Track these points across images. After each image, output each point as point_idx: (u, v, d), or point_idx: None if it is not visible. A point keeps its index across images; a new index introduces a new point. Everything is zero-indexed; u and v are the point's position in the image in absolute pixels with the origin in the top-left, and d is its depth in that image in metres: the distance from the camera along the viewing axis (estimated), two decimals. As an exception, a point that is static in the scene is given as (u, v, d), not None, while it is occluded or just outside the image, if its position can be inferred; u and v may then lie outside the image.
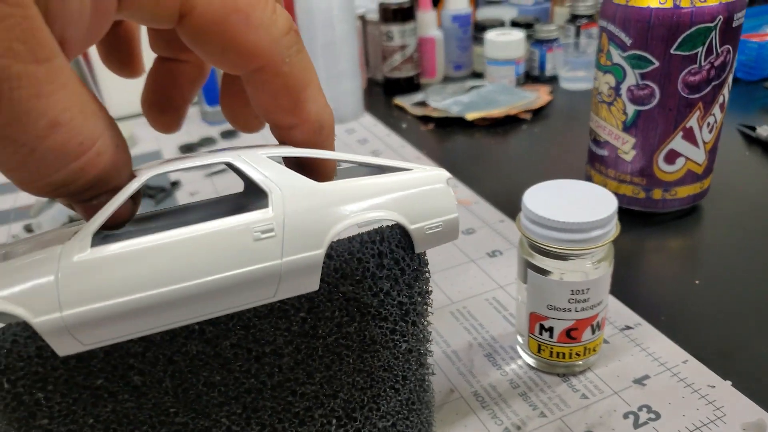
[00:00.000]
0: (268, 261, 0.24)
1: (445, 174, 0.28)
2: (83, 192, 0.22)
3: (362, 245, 0.27)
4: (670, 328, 0.41)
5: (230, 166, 0.26)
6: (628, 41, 0.48)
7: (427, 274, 0.29)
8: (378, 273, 0.28)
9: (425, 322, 0.31)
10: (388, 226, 0.28)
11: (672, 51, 0.46)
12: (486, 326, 0.42)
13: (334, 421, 0.31)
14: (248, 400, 0.28)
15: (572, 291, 0.34)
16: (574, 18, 0.89)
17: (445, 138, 0.74)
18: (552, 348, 0.37)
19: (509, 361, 0.39)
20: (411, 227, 0.27)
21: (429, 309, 0.30)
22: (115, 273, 0.22)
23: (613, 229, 0.34)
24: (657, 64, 0.47)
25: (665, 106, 0.48)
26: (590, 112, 0.55)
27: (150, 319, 0.23)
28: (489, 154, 0.69)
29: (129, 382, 0.25)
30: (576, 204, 0.34)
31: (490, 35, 0.84)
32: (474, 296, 0.45)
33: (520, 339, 0.39)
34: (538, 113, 0.78)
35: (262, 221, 0.25)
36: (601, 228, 0.33)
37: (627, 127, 0.51)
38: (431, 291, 0.30)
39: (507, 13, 0.97)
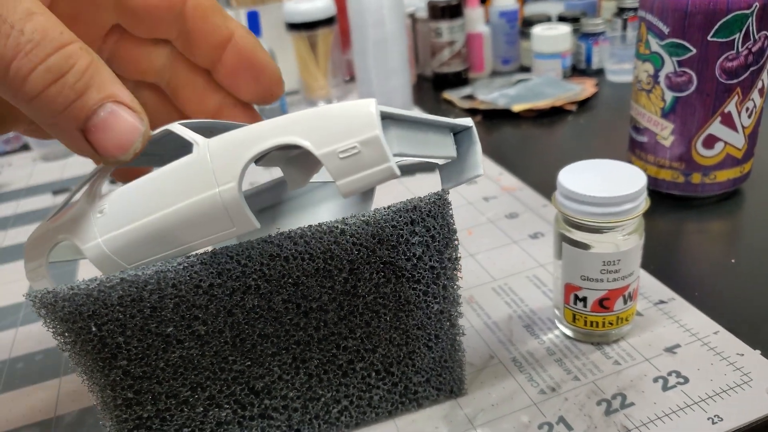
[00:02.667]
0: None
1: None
2: (83, 98, 0.25)
3: (397, 213, 0.31)
4: (704, 302, 0.43)
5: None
6: (665, 30, 0.50)
7: (456, 242, 0.33)
8: (411, 239, 0.31)
9: (455, 286, 0.34)
10: (419, 197, 0.32)
11: (709, 38, 0.48)
12: (525, 300, 0.45)
13: (373, 374, 0.35)
14: (297, 351, 0.32)
15: (604, 262, 0.37)
16: (621, 11, 0.90)
17: (492, 129, 0.76)
18: (586, 317, 0.39)
19: (546, 331, 0.42)
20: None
21: (459, 274, 0.34)
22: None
23: (643, 203, 0.37)
24: (694, 51, 0.49)
25: (703, 92, 0.50)
26: (630, 100, 0.57)
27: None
28: (534, 144, 0.71)
29: (194, 331, 0.30)
30: (607, 181, 0.37)
31: (537, 30, 0.86)
32: (515, 274, 0.48)
33: (557, 311, 0.42)
34: (583, 105, 0.80)
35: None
36: (630, 202, 0.36)
37: (665, 114, 0.53)
38: (460, 257, 0.33)
39: (554, 8, 0.98)
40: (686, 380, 0.37)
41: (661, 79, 0.52)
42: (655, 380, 0.37)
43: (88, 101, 0.26)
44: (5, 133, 0.32)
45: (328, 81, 0.90)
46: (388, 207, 0.31)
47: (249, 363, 0.31)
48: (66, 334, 0.28)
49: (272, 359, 0.32)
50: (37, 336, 0.48)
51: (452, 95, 0.86)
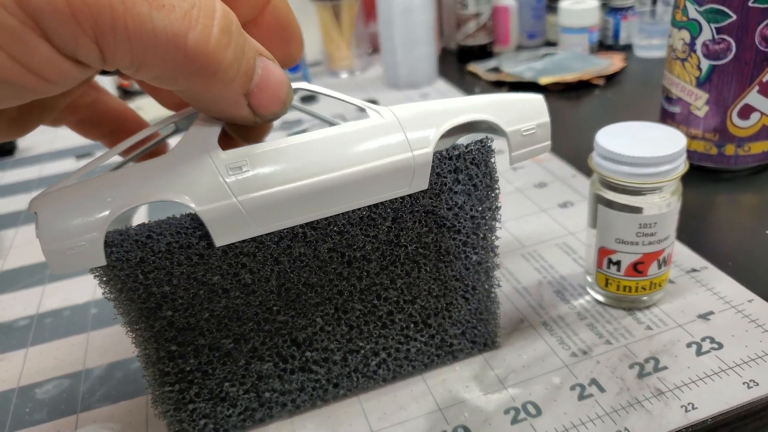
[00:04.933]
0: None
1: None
2: (247, 57, 0.23)
3: (441, 161, 0.31)
4: (738, 272, 0.42)
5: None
6: (704, -4, 0.49)
7: (497, 190, 0.33)
8: (454, 188, 0.31)
9: (493, 237, 0.34)
10: (463, 144, 0.31)
11: (750, 3, 0.47)
12: (555, 267, 0.45)
13: (411, 325, 0.35)
14: (340, 302, 0.32)
15: (640, 224, 0.36)
16: (651, -15, 0.89)
17: (517, 102, 0.75)
18: (619, 282, 0.39)
19: (577, 297, 0.42)
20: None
21: (497, 224, 0.34)
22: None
23: (682, 165, 0.36)
24: (734, 17, 0.48)
25: (741, 60, 0.49)
26: (663, 71, 0.56)
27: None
28: (562, 117, 0.70)
29: (240, 279, 0.30)
30: (646, 142, 0.36)
31: (565, 3, 0.84)
32: (545, 241, 0.48)
33: (588, 278, 0.42)
34: (611, 79, 0.79)
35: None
36: (669, 163, 0.35)
37: (701, 83, 0.52)
38: (500, 207, 0.33)
39: (582, -19, 0.96)
40: (720, 346, 0.36)
41: (698, 47, 0.51)
42: (689, 345, 0.37)
43: (250, 60, 0.23)
44: (33, 129, 0.29)
45: (352, 52, 0.89)
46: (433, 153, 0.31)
47: (293, 314, 0.31)
48: (112, 282, 0.27)
49: (315, 309, 0.32)
50: (64, 293, 0.48)
51: (477, 68, 0.85)
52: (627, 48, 0.88)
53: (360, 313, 0.33)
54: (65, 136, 0.81)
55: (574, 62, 0.80)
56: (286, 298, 0.31)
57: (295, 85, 0.30)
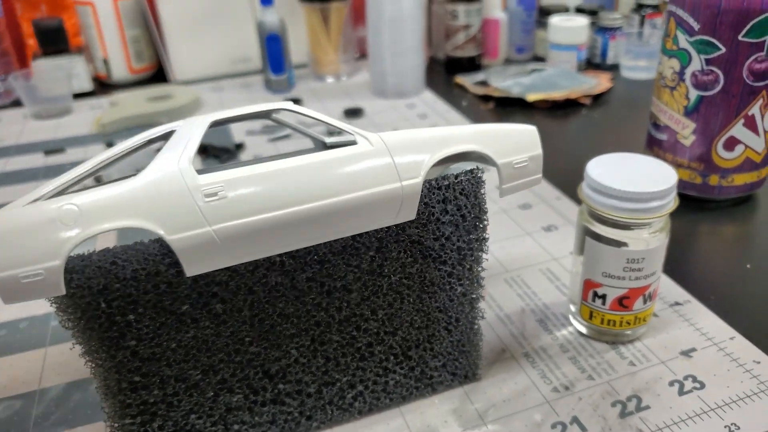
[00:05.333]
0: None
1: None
2: None
3: (429, 191, 0.30)
4: (720, 306, 0.42)
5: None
6: (696, 26, 0.48)
7: (485, 222, 0.32)
8: (441, 218, 0.30)
9: (480, 268, 0.33)
10: (453, 174, 0.30)
11: (740, 38, 0.47)
12: (539, 294, 0.44)
13: (391, 357, 0.34)
14: (317, 333, 0.31)
15: (628, 260, 0.36)
16: (639, 7, 0.89)
17: (504, 117, 0.75)
18: (603, 315, 0.38)
19: (560, 327, 0.41)
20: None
21: (484, 255, 0.33)
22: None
23: (672, 201, 0.35)
24: (723, 50, 0.48)
25: (728, 92, 0.49)
26: (652, 96, 0.56)
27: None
28: (548, 136, 0.70)
29: (211, 309, 0.28)
30: (637, 175, 0.35)
31: (555, 20, 0.84)
32: (528, 266, 0.47)
33: (572, 307, 0.41)
34: (597, 99, 0.79)
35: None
36: (660, 199, 0.35)
37: (688, 112, 0.51)
38: (488, 238, 0.32)
39: (571, -2, 0.97)
40: (702, 385, 0.36)
41: (687, 76, 0.50)
42: (671, 384, 0.36)
43: None
44: None
45: (339, 57, 0.87)
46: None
47: (266, 345, 0.30)
48: (70, 310, 0.25)
49: (290, 341, 0.30)
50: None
51: (465, 80, 0.84)
52: (614, 68, 0.88)
53: (338, 345, 0.32)
54: (34, 129, 0.78)
55: (562, 80, 0.79)
56: (260, 329, 0.30)
57: (283, 106, 0.29)
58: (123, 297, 0.26)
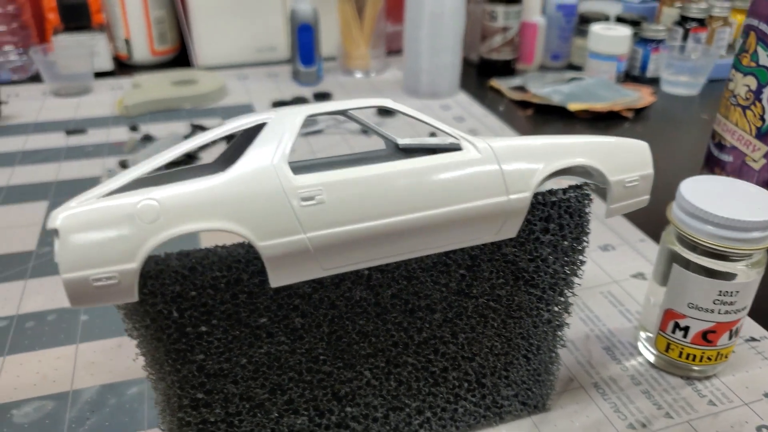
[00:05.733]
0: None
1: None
2: None
3: (533, 207, 0.27)
4: (799, 345, 0.39)
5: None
6: (780, 44, 0.46)
7: (585, 243, 0.29)
8: (541, 237, 0.27)
9: (570, 293, 0.30)
10: (562, 188, 0.27)
11: (828, 59, 0.44)
12: (602, 319, 0.41)
13: (465, 384, 0.31)
14: (393, 354, 0.28)
15: (720, 292, 0.33)
16: (683, 20, 0.86)
17: (544, 125, 0.72)
18: (683, 348, 0.35)
19: (628, 357, 0.38)
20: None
21: (577, 280, 0.30)
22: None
23: (775, 233, 0.32)
24: (809, 71, 0.45)
25: (809, 117, 0.46)
26: (717, 114, 0.53)
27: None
28: (590, 148, 0.67)
29: (289, 323, 0.25)
30: (735, 201, 0.33)
31: (596, 28, 0.81)
32: (588, 288, 0.44)
33: (643, 335, 0.38)
34: (639, 113, 0.76)
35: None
36: (762, 230, 0.32)
37: (762, 134, 0.49)
38: (585, 261, 0.29)
39: (612, 8, 0.94)
40: (791, 433, 0.33)
41: (765, 96, 0.47)
42: (759, 429, 0.33)
43: None
44: None
45: (370, 51, 0.84)
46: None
47: (340, 365, 0.27)
48: (139, 317, 0.22)
49: (365, 361, 0.27)
50: (49, 291, 0.43)
51: (501, 84, 0.81)
52: (653, 81, 0.86)
53: (412, 369, 0.29)
54: (53, 107, 0.74)
55: (603, 90, 0.77)
56: (336, 347, 0.27)
57: (385, 104, 0.25)
58: (198, 306, 0.23)
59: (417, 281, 0.26)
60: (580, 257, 0.29)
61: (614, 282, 0.45)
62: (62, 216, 0.20)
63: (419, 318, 0.27)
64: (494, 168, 0.25)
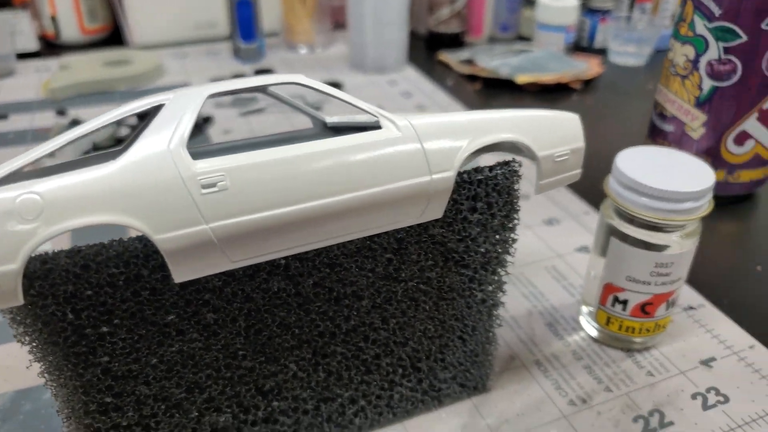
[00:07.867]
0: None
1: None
2: None
3: (459, 186, 0.25)
4: (735, 312, 0.39)
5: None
6: (717, 11, 0.45)
7: (516, 222, 0.28)
8: (469, 217, 0.27)
9: (503, 272, 0.29)
10: (488, 166, 0.26)
11: (763, 26, 0.44)
12: (546, 295, 0.41)
13: (399, 370, 0.30)
14: (319, 345, 0.27)
15: (656, 263, 0.33)
16: (629, -11, 0.86)
17: (492, 99, 0.71)
18: (623, 322, 0.35)
19: (571, 332, 0.38)
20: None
21: (509, 259, 0.29)
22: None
23: (707, 203, 0.32)
24: (745, 38, 0.45)
25: (745, 84, 0.46)
26: (658, 84, 0.53)
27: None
28: (537, 121, 0.66)
29: (201, 320, 0.23)
30: (671, 173, 0.32)
31: (543, -2, 0.80)
32: (532, 263, 0.44)
33: (584, 309, 0.38)
34: (588, 84, 0.76)
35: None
36: (695, 200, 0.31)
37: (700, 103, 0.49)
38: (516, 239, 0.28)
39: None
40: (726, 399, 0.33)
41: (702, 65, 0.47)
42: (694, 397, 0.33)
43: None
44: None
45: (313, 26, 0.82)
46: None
47: (262, 359, 0.25)
48: (29, 321, 0.20)
49: (289, 354, 0.26)
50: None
51: (449, 57, 0.80)
52: (601, 52, 0.85)
53: (342, 358, 0.28)
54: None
55: (552, 62, 0.76)
56: (255, 342, 0.25)
57: (294, 79, 0.24)
58: (96, 306, 0.21)
59: (341, 268, 0.25)
60: (512, 235, 0.28)
61: (558, 256, 0.45)
62: None
63: (346, 306, 0.26)
64: (415, 146, 0.23)
